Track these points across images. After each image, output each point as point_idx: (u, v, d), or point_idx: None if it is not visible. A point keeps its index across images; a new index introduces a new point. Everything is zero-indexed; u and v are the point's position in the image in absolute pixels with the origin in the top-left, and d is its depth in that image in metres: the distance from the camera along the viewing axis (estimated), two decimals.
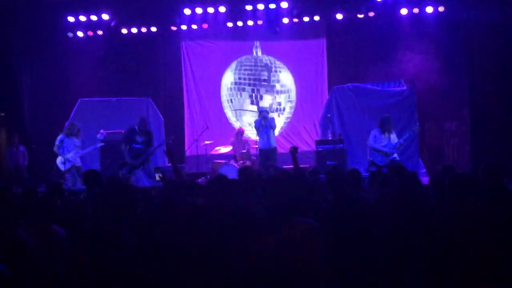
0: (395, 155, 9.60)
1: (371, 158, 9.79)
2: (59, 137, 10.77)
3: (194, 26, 13.11)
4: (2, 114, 12.85)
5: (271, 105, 13.74)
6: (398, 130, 10.21)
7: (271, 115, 13.20)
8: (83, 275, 3.61)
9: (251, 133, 12.95)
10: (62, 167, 10.75)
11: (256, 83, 13.88)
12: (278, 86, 13.87)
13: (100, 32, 12.96)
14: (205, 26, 13.09)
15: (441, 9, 11.94)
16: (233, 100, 13.93)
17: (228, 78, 13.94)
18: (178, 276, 3.61)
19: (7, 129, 12.76)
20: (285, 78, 13.87)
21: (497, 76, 11.94)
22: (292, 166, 6.62)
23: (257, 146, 11.50)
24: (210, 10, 12.61)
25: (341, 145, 11.06)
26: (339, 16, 12.59)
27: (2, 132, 12.87)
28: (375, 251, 3.95)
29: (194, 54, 13.94)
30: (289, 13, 12.60)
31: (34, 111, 13.05)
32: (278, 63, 13.89)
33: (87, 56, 13.11)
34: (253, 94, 13.88)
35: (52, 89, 13.27)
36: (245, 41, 13.76)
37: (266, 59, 13.90)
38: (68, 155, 10.69)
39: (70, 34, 12.74)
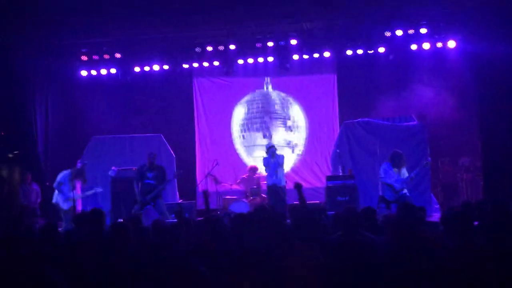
0: (405, 190, 9.44)
1: (381, 194, 9.68)
2: (64, 173, 10.51)
3: (205, 64, 13.24)
4: (17, 152, 12.98)
5: (282, 140, 13.74)
6: (409, 166, 9.99)
7: (284, 150, 13.21)
8: None
9: (262, 169, 12.90)
10: (64, 206, 10.44)
11: (268, 117, 13.92)
12: (289, 121, 13.90)
13: (113, 71, 13.13)
14: (216, 63, 13.20)
15: (452, 44, 11.93)
16: (244, 136, 13.97)
17: (239, 113, 14.02)
18: None
19: (20, 167, 12.86)
20: (297, 113, 13.90)
21: (510, 110, 11.82)
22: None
23: (265, 182, 11.44)
24: (221, 47, 12.73)
25: (352, 181, 10.97)
26: (349, 52, 12.63)
27: (16, 170, 12.96)
28: None
29: (206, 91, 14.08)
30: (299, 49, 12.67)
31: (47, 148, 13.18)
32: (289, 98, 13.95)
33: (100, 94, 13.31)
34: (264, 129, 13.90)
35: (65, 127, 13.44)
36: (256, 77, 13.88)
37: (277, 94, 13.97)
38: (69, 194, 10.37)
39: None
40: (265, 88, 13.97)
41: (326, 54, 12.78)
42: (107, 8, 10.46)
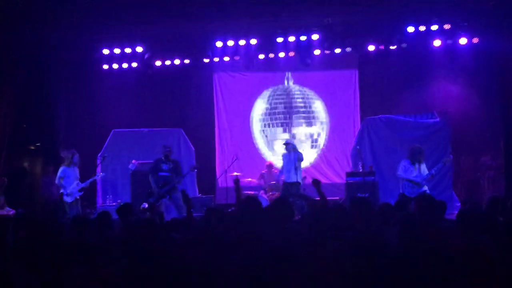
0: (426, 187, 9.33)
1: (401, 191, 9.58)
2: (61, 168, 10.42)
3: (226, 58, 13.22)
4: (38, 144, 13.13)
5: (303, 134, 13.71)
6: (431, 163, 9.89)
7: (305, 145, 13.15)
8: None
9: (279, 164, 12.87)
10: (67, 199, 10.35)
11: (288, 112, 13.88)
12: (310, 115, 13.84)
13: (134, 64, 13.19)
14: (236, 58, 13.19)
15: (475, 40, 11.76)
16: (265, 131, 13.95)
17: (260, 107, 14.00)
18: None
19: (42, 159, 13.01)
20: (318, 108, 13.84)
21: None
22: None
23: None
24: (242, 42, 12.71)
25: (372, 178, 10.91)
26: (371, 48, 12.53)
27: (37, 162, 13.12)
28: None
29: (226, 86, 14.08)
30: (320, 44, 12.60)
31: (68, 141, 13.29)
32: (310, 93, 13.88)
33: (121, 87, 13.38)
34: (285, 124, 13.86)
35: (86, 120, 13.55)
36: (277, 72, 13.84)
37: (299, 89, 13.92)
38: (70, 188, 10.31)
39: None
40: (286, 83, 13.93)
41: (348, 49, 12.69)
42: (129, 2, 10.49)
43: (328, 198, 6.34)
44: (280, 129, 13.88)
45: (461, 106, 12.32)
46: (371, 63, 13.24)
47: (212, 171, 13.64)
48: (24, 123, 12.73)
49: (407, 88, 12.90)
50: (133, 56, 13.04)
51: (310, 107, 13.85)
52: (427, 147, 10.73)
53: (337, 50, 12.77)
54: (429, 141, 11.31)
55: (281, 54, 12.98)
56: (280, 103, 13.94)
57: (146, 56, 13.02)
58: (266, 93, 13.99)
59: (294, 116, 13.87)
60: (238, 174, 12.33)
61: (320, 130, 13.82)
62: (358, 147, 11.60)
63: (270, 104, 13.97)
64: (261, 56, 13.13)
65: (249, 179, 12.49)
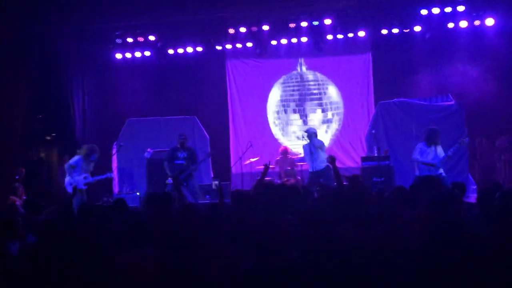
0: (442, 170, 9.28)
1: (418, 174, 9.53)
2: (76, 157, 10.23)
3: (238, 45, 13.21)
4: (54, 134, 13.23)
5: (318, 119, 13.68)
6: (446, 146, 9.81)
7: (320, 130, 13.09)
8: None
9: (298, 147, 12.85)
10: (69, 189, 10.10)
11: (302, 98, 13.85)
12: (324, 100, 13.80)
13: (147, 53, 13.21)
14: (249, 45, 13.16)
15: (490, 22, 11.62)
16: (280, 117, 13.94)
17: (274, 94, 13.98)
18: None
19: (58, 149, 13.11)
20: (332, 92, 13.79)
21: None
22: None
23: (301, 163, 11.37)
24: (254, 28, 12.67)
25: (388, 162, 10.89)
26: (385, 31, 12.44)
27: (54, 152, 13.23)
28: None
29: (239, 73, 14.07)
30: (333, 29, 12.53)
31: (85, 130, 13.40)
32: (323, 77, 13.83)
33: (135, 76, 13.42)
34: (298, 109, 13.84)
35: (101, 109, 13.63)
36: (290, 58, 13.79)
37: (312, 73, 13.87)
38: (75, 179, 10.07)
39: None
40: (299, 69, 13.88)
41: (361, 33, 12.60)
42: None
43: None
44: (294, 115, 13.86)
45: (477, 88, 12.19)
46: (385, 47, 13.12)
47: (226, 158, 13.69)
48: (40, 114, 12.83)
49: (421, 72, 12.80)
50: (146, 45, 13.07)
51: (323, 92, 13.81)
52: (443, 130, 10.66)
53: (350, 35, 12.70)
54: (445, 124, 11.19)
55: (294, 40, 12.94)
56: (294, 89, 13.91)
57: (159, 44, 13.04)
58: (280, 80, 13.96)
59: (308, 102, 13.84)
60: (253, 160, 12.39)
61: (334, 115, 13.77)
62: (373, 131, 11.57)
63: (284, 90, 13.95)
64: (274, 42, 13.09)
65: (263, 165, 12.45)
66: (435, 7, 11.64)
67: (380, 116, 12.08)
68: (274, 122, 13.98)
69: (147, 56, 13.27)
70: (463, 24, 11.87)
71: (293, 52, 13.56)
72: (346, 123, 13.71)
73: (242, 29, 12.69)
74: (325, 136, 13.55)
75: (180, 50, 13.26)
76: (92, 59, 13.25)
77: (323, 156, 10.42)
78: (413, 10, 11.92)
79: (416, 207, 5.28)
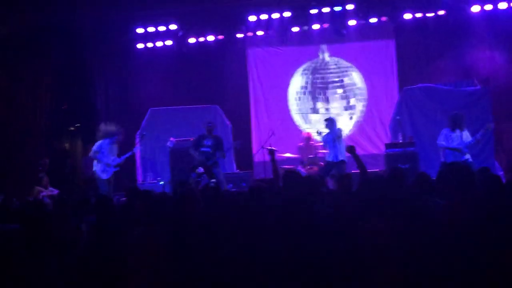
0: (468, 156, 9.15)
1: (443, 160, 9.42)
2: (98, 143, 10.21)
3: (259, 33, 13.13)
4: (78, 125, 13.33)
5: (340, 105, 13.57)
6: (472, 131, 9.71)
7: (343, 116, 12.99)
8: None
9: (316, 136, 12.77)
10: (103, 176, 10.10)
11: (324, 84, 13.74)
12: (347, 86, 13.66)
13: (168, 42, 13.21)
14: (270, 32, 13.07)
15: None
16: (301, 104, 13.84)
17: (297, 82, 13.88)
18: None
19: (82, 139, 13.21)
20: (355, 78, 13.64)
21: None
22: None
23: (324, 151, 11.27)
24: (275, 16, 12.58)
25: (412, 148, 10.75)
26: (408, 16, 12.26)
27: (78, 142, 13.34)
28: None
29: (261, 60, 13.99)
30: (356, 15, 12.38)
31: (108, 121, 13.44)
32: (346, 63, 13.69)
33: (157, 66, 13.42)
34: (320, 96, 13.73)
35: (124, 99, 13.68)
36: (311, 45, 13.65)
37: (335, 60, 13.74)
38: (106, 161, 10.08)
39: None
40: (321, 55, 13.75)
41: (384, 18, 12.44)
42: None
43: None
44: (317, 103, 13.75)
45: (503, 72, 11.99)
46: (408, 32, 12.93)
47: (248, 147, 13.64)
48: (63, 105, 12.92)
49: (446, 56, 12.61)
50: (167, 34, 13.06)
51: (346, 79, 13.67)
52: (468, 116, 10.52)
53: (373, 20, 12.53)
54: (470, 109, 11.03)
55: (316, 26, 12.81)
56: (316, 76, 13.79)
57: (180, 33, 13.02)
58: (302, 67, 13.85)
59: (330, 88, 13.72)
60: (275, 149, 12.32)
61: (357, 101, 13.64)
62: (397, 117, 11.43)
63: (306, 77, 13.84)
64: (295, 29, 12.98)
65: (287, 154, 12.42)
66: None
67: (405, 102, 11.94)
68: (296, 110, 13.89)
69: (169, 46, 13.26)
70: (488, 7, 11.64)
71: (315, 38, 13.41)
72: (369, 110, 13.57)
73: (263, 17, 12.60)
74: (349, 122, 13.44)
75: (201, 39, 13.22)
76: (114, 49, 13.27)
77: (343, 147, 10.32)
78: None
79: (443, 196, 5.20)
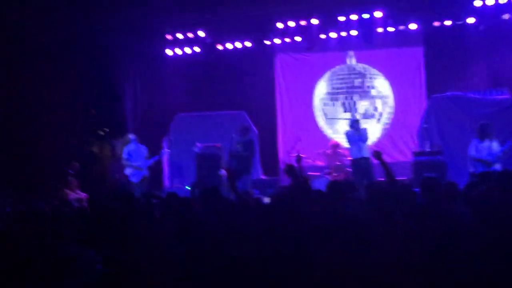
0: (498, 166, 9.04)
1: (472, 170, 9.31)
2: (125, 150, 10.76)
3: (287, 40, 13.17)
4: (107, 129, 13.49)
5: (366, 111, 13.51)
6: (502, 140, 9.63)
7: (369, 122, 12.94)
8: None
9: (344, 141, 12.74)
10: (134, 179, 10.60)
11: (350, 90, 13.70)
12: (374, 92, 13.61)
13: (197, 49, 13.32)
14: (298, 39, 13.10)
15: None
16: (326, 110, 13.82)
17: (322, 88, 13.88)
18: None
19: (110, 144, 13.36)
20: (382, 85, 13.58)
21: None
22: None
23: (350, 158, 11.24)
24: (303, 22, 12.60)
25: (441, 157, 10.65)
26: (437, 24, 12.17)
27: (106, 147, 13.49)
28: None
29: (288, 67, 14.02)
30: (384, 22, 12.33)
31: (136, 125, 13.61)
32: (373, 70, 13.64)
33: (184, 72, 13.57)
34: (347, 102, 13.69)
35: (152, 105, 13.82)
36: (339, 52, 13.64)
37: (361, 66, 13.70)
38: (137, 164, 10.56)
39: None
40: (348, 61, 13.73)
41: (412, 26, 12.37)
42: None
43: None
44: (342, 108, 13.72)
45: None
46: (437, 39, 12.84)
47: (275, 153, 13.66)
48: (93, 109, 13.09)
49: (475, 65, 12.48)
50: (196, 41, 13.19)
51: (373, 85, 13.61)
52: (498, 125, 10.40)
53: (401, 27, 12.48)
54: (500, 119, 10.88)
55: (343, 33, 12.80)
56: (342, 82, 13.76)
57: (208, 40, 13.13)
58: (328, 73, 13.84)
59: (356, 94, 13.67)
60: (302, 155, 12.29)
61: (383, 107, 13.57)
62: (425, 125, 11.34)
63: (332, 83, 13.82)
64: (323, 36, 12.98)
65: (313, 161, 12.41)
66: None
67: (433, 110, 11.82)
68: (322, 116, 13.87)
69: (197, 52, 13.37)
70: None
71: (343, 45, 13.40)
72: (397, 117, 13.48)
73: (291, 23, 12.63)
74: (375, 129, 13.37)
75: (229, 46, 13.31)
76: (143, 55, 13.45)
77: (367, 147, 10.45)
78: (467, 1, 11.63)
79: (472, 205, 5.17)
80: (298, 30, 12.86)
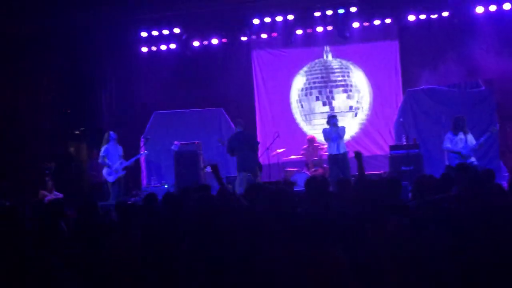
0: (473, 159, 9.12)
1: (448, 163, 9.41)
2: (103, 148, 10.58)
3: (263, 35, 13.16)
4: (83, 129, 13.37)
5: (343, 106, 13.55)
6: (477, 133, 9.69)
7: (347, 116, 12.97)
8: None
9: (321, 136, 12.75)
10: (109, 179, 10.51)
11: (326, 85, 13.71)
12: (351, 86, 13.65)
13: (172, 46, 13.24)
14: (274, 34, 13.09)
15: None
16: (303, 105, 13.83)
17: (299, 82, 13.88)
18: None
19: (87, 143, 13.25)
20: (359, 79, 13.62)
21: None
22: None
23: (327, 152, 11.25)
24: (279, 18, 12.59)
25: (416, 150, 10.73)
26: (412, 18, 12.26)
27: (82, 147, 13.38)
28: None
29: (265, 63, 14.00)
30: (359, 16, 12.38)
31: (112, 125, 13.48)
32: (351, 65, 13.68)
33: (161, 69, 13.44)
34: (323, 97, 13.70)
35: (128, 103, 13.70)
36: (315, 47, 13.66)
37: (338, 62, 13.73)
38: (115, 166, 10.47)
39: None
40: (325, 56, 13.75)
41: (387, 20, 12.44)
42: None
43: (370, 171, 6.22)
44: (319, 103, 13.74)
45: (507, 73, 11.93)
46: (412, 33, 12.94)
47: None
48: (67, 108, 12.96)
49: (450, 58, 12.55)
50: (171, 37, 13.10)
51: (349, 79, 13.65)
52: (473, 117, 10.55)
53: (376, 22, 12.54)
54: (475, 111, 11.06)
55: (319, 29, 12.83)
56: (318, 77, 13.78)
57: (184, 37, 13.05)
58: (304, 68, 13.86)
59: (333, 89, 13.70)
60: (280, 151, 12.31)
61: (360, 102, 13.62)
62: (401, 119, 11.42)
63: (308, 78, 13.83)
64: (299, 32, 13.00)
65: (292, 156, 12.43)
66: None
67: (409, 104, 11.93)
68: (299, 111, 13.88)
69: (173, 49, 13.29)
70: (492, 8, 11.61)
71: (319, 40, 13.43)
72: (374, 111, 13.56)
73: (267, 19, 12.61)
74: (353, 121, 13.42)
75: (205, 42, 13.25)
76: (118, 53, 13.32)
77: (344, 143, 10.47)
78: None
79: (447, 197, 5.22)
80: (274, 25, 12.85)
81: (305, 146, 12.30)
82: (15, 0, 10.71)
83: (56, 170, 11.69)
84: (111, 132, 10.69)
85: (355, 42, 13.30)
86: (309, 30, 12.91)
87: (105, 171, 10.54)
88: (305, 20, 12.68)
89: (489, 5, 11.58)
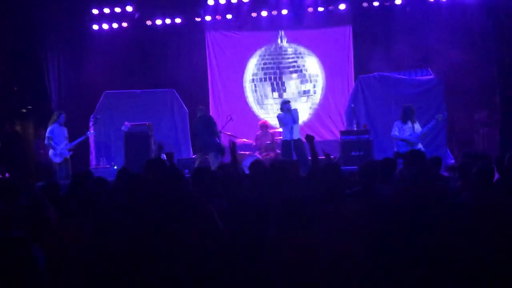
0: (420, 145, 9.41)
1: (396, 149, 9.66)
2: (49, 128, 10.40)
3: (218, 17, 13.05)
4: (30, 107, 13.01)
5: (296, 91, 13.60)
6: (426, 120, 10.06)
7: (299, 100, 13.03)
8: None
9: (274, 121, 12.78)
10: (56, 159, 10.40)
11: (280, 70, 13.72)
12: (304, 71, 13.70)
13: (124, 24, 12.98)
14: (229, 16, 12.99)
15: None
16: (256, 89, 13.81)
17: (252, 67, 13.84)
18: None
19: (34, 122, 12.91)
20: (312, 65, 13.67)
21: None
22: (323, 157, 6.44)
23: (281, 137, 11.28)
24: (234, 0, 12.50)
25: (367, 136, 10.90)
26: (365, 4, 12.38)
27: (29, 125, 13.03)
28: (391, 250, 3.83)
29: (219, 45, 13.88)
30: (314, 1, 12.44)
31: (61, 103, 13.16)
32: (304, 50, 13.71)
33: (112, 48, 13.13)
34: (276, 82, 13.72)
35: (78, 82, 13.37)
36: (270, 31, 13.62)
37: (292, 46, 13.74)
38: (60, 148, 10.35)
39: None
40: (279, 41, 13.73)
41: (342, 6, 12.52)
42: None
43: (321, 156, 6.29)
44: (271, 88, 13.74)
45: (457, 62, 12.18)
46: (365, 19, 13.07)
47: None
48: (15, 86, 12.58)
49: (402, 46, 12.69)
50: (124, 15, 12.85)
51: (303, 64, 13.70)
52: (422, 105, 10.81)
53: (331, 7, 12.61)
54: (424, 99, 11.30)
55: (274, 12, 12.82)
56: (272, 61, 13.77)
57: (136, 15, 12.82)
58: (258, 52, 13.81)
59: (286, 74, 13.72)
60: (233, 135, 12.27)
61: (313, 87, 13.70)
62: (352, 105, 11.54)
63: (262, 62, 13.80)
64: (254, 14, 12.96)
65: (244, 140, 12.42)
66: None
67: (360, 90, 12.04)
68: (252, 95, 13.86)
69: (125, 28, 13.03)
70: None
71: (274, 24, 13.41)
72: (326, 96, 13.65)
73: (222, 1, 12.50)
74: (304, 109, 13.48)
75: (159, 22, 13.03)
76: (68, 30, 12.98)
77: (299, 128, 10.52)
78: None
79: (391, 182, 5.33)
80: (229, 7, 12.76)
81: (258, 133, 12.26)
82: None
83: (2, 149, 11.37)
84: (62, 115, 10.47)
85: (309, 27, 13.34)
86: (264, 13, 12.86)
87: (51, 152, 10.42)
88: (260, 3, 12.64)
89: None
